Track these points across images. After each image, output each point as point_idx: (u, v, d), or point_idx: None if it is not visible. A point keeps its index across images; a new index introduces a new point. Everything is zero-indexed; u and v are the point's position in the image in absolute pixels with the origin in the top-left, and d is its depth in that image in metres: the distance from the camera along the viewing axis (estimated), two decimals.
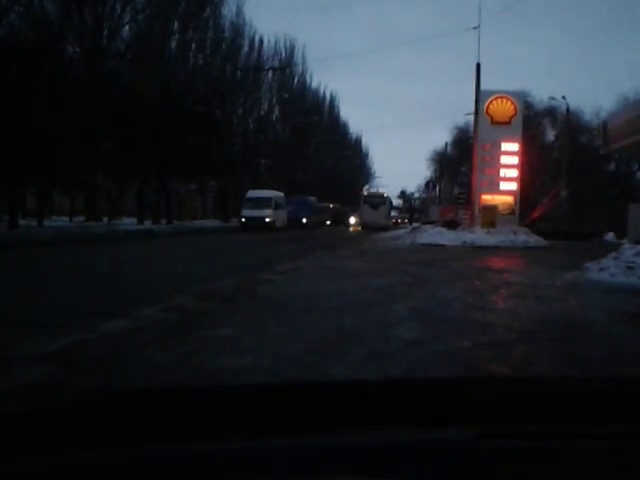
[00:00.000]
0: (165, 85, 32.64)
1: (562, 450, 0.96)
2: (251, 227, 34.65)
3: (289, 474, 0.90)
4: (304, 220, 43.97)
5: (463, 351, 5.09)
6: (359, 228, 48.70)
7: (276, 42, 53.55)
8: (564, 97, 40.21)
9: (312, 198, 48.65)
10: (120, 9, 32.18)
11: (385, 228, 44.34)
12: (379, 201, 49.77)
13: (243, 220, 36.33)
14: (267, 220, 35.83)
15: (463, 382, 1.22)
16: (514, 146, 25.93)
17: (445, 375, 4.34)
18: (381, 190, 64.27)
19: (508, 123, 25.84)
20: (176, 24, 38.10)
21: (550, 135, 48.60)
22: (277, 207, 37.88)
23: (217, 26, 41.38)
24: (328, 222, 54.44)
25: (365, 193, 57.83)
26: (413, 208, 78.09)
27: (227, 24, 42.89)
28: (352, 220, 56.16)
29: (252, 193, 38.05)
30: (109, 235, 23.43)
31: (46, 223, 28.65)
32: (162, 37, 35.47)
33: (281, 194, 40.60)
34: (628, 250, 11.98)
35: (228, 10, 42.68)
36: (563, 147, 40.59)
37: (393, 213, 60.29)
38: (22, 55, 23.41)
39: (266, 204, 36.70)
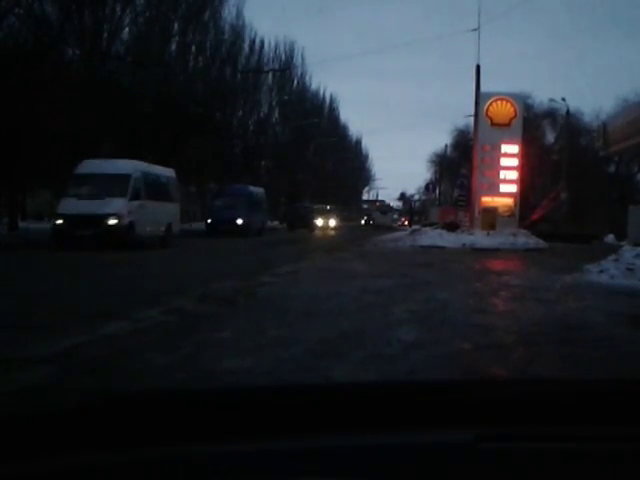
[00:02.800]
0: (165, 87, 32.61)
1: (562, 452, 0.96)
2: (77, 237, 17.67)
3: (289, 476, 0.90)
4: (239, 221, 28.74)
5: (463, 353, 5.09)
6: (331, 231, 44.90)
7: (276, 44, 53.54)
8: (564, 99, 40.25)
9: (257, 189, 33.69)
10: (120, 11, 32.15)
11: (390, 228, 52.71)
12: (387, 209, 72.79)
13: (59, 222, 18.36)
14: (111, 223, 18.10)
15: (463, 384, 1.22)
16: (514, 148, 25.92)
17: (445, 377, 4.34)
18: (381, 198, 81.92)
19: (508, 125, 25.84)
20: (176, 26, 38.06)
21: (550, 137, 48.66)
22: (143, 195, 19.61)
23: (217, 28, 41.37)
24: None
25: (377, 204, 79.48)
26: (413, 210, 78.13)
27: (227, 26, 42.87)
28: (320, 222, 47.18)
29: (87, 165, 19.47)
30: None
31: (45, 224, 28.65)
32: (162, 39, 35.45)
33: (163, 169, 22.88)
34: (628, 252, 11.99)
35: (228, 12, 42.63)
36: (563, 149, 40.59)
37: (395, 216, 72.52)
38: (22, 57, 23.44)
39: (113, 188, 18.62)
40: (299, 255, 16.30)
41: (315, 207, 48.64)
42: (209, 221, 29.55)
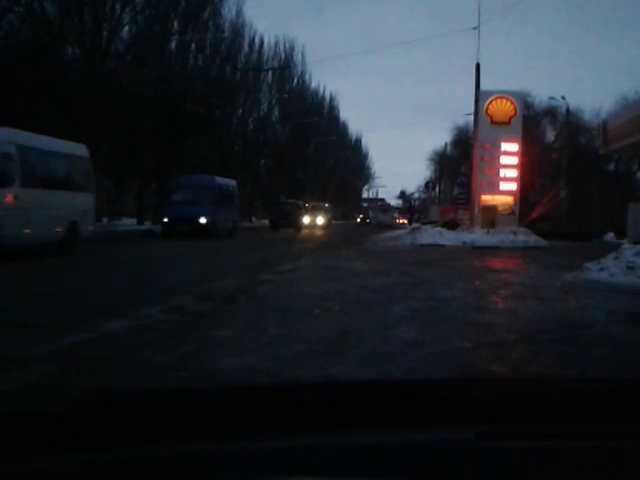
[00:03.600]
0: (165, 85, 32.62)
1: (561, 450, 0.96)
2: None
3: (289, 474, 0.90)
4: (202, 220, 23.92)
5: (463, 351, 5.09)
6: (321, 230, 40.08)
7: (276, 43, 53.59)
8: (564, 97, 40.27)
9: (227, 181, 28.43)
10: (120, 10, 32.15)
11: (391, 225, 54.19)
12: (387, 208, 74.30)
13: None
14: None
15: (463, 382, 1.22)
16: (514, 146, 25.93)
17: (445, 375, 4.35)
18: (381, 196, 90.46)
19: (508, 123, 25.84)
20: (176, 25, 38.08)
21: (550, 135, 48.65)
22: (18, 180, 13.50)
23: (217, 27, 41.35)
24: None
25: (379, 204, 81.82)
26: (413, 208, 78.53)
27: (227, 25, 42.90)
28: (306, 220, 41.21)
29: None
30: (108, 236, 23.36)
31: None
32: (162, 38, 35.44)
33: (63, 144, 16.26)
34: (628, 250, 11.99)
35: (228, 11, 42.68)
36: (563, 147, 40.60)
37: (396, 215, 74.61)
38: (22, 56, 23.43)
39: None
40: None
41: (308, 204, 45.33)
42: (165, 220, 24.38)
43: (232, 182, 28.91)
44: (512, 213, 25.97)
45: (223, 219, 25.22)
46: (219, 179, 27.28)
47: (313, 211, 45.13)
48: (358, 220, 74.85)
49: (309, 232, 36.14)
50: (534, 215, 31.20)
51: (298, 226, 37.26)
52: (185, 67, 38.57)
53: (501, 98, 26.12)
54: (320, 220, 44.95)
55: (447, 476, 0.90)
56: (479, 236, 23.16)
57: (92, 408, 1.01)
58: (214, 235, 23.46)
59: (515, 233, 23.87)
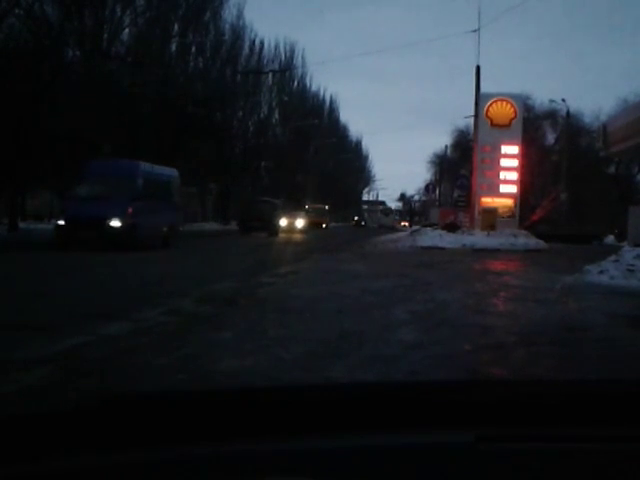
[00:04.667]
0: (165, 88, 32.65)
1: (562, 453, 0.96)
2: None
3: (289, 477, 0.90)
4: (114, 223, 16.87)
5: (463, 354, 5.09)
6: (300, 234, 35.40)
7: (276, 45, 53.75)
8: (564, 100, 40.39)
9: (159, 170, 20.32)
10: (120, 12, 32.22)
11: (392, 228, 58.44)
12: (389, 211, 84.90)
13: None
14: None
15: (463, 385, 1.22)
16: (514, 149, 25.95)
17: (445, 378, 4.34)
18: (381, 198, 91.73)
19: (508, 126, 25.87)
20: (176, 27, 38.15)
21: (550, 138, 48.73)
22: None
23: (217, 29, 41.46)
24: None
25: (380, 207, 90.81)
26: (413, 211, 78.73)
27: (227, 27, 43.02)
28: (283, 222, 35.18)
29: None
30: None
31: (44, 226, 28.68)
32: (162, 40, 35.52)
33: None
34: (628, 253, 11.99)
35: (228, 13, 42.81)
36: (563, 150, 40.65)
37: (397, 217, 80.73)
38: (22, 58, 23.47)
39: None
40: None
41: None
42: (60, 223, 17.24)
43: (169, 171, 21.22)
44: (512, 215, 26.00)
45: (151, 222, 18.07)
46: (146, 166, 19.21)
47: (292, 212, 40.03)
48: (353, 223, 75.15)
49: (287, 237, 30.35)
50: (534, 218, 31.25)
51: (274, 230, 31.32)
52: (185, 69, 38.64)
53: (501, 101, 26.15)
54: (300, 223, 39.61)
55: (448, 478, 0.90)
56: (479, 239, 23.17)
57: (92, 410, 1.01)
58: (134, 244, 16.53)
59: (515, 236, 23.88)
